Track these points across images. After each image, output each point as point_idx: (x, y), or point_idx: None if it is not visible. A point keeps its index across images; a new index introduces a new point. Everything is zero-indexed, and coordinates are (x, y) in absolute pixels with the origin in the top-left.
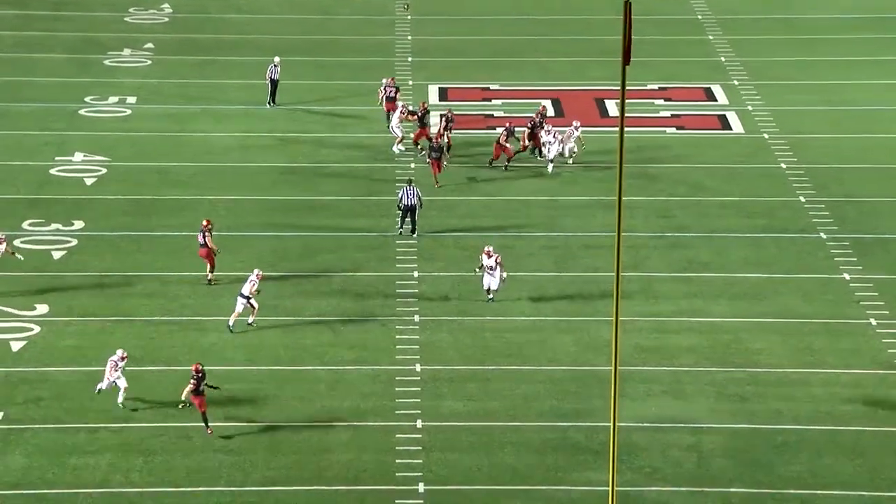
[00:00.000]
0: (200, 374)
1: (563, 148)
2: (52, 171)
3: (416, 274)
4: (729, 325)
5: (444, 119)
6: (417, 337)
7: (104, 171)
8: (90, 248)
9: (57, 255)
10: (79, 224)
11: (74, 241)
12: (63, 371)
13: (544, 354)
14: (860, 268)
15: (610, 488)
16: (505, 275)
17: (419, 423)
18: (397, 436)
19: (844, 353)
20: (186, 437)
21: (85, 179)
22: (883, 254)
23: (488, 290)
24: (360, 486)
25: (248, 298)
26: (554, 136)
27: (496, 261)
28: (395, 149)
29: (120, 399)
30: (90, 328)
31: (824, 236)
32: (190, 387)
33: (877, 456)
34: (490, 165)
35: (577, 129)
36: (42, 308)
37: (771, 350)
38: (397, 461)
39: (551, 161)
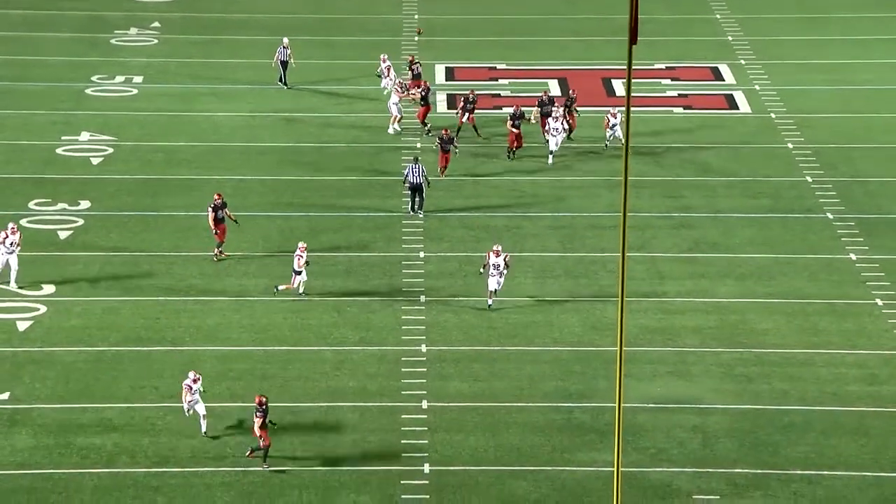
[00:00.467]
0: (265, 407)
1: (614, 133)
2: (59, 151)
3: (421, 254)
4: (735, 305)
5: (463, 100)
6: (423, 317)
7: (110, 150)
8: (96, 227)
9: (63, 234)
10: (85, 204)
11: (81, 221)
12: (69, 351)
13: (550, 335)
14: (866, 248)
15: (615, 469)
16: (502, 280)
17: (425, 404)
18: (403, 416)
19: (850, 333)
20: (192, 418)
21: (91, 159)
22: (889, 234)
23: (492, 294)
24: (365, 466)
25: (299, 273)
26: (561, 124)
27: (505, 260)
28: (391, 129)
29: (203, 429)
30: (96, 308)
31: (831, 216)
32: (258, 421)
33: (882, 436)
34: (510, 157)
35: (616, 115)
36: (48, 288)
37: (776, 330)
38: (403, 441)
39: (552, 153)
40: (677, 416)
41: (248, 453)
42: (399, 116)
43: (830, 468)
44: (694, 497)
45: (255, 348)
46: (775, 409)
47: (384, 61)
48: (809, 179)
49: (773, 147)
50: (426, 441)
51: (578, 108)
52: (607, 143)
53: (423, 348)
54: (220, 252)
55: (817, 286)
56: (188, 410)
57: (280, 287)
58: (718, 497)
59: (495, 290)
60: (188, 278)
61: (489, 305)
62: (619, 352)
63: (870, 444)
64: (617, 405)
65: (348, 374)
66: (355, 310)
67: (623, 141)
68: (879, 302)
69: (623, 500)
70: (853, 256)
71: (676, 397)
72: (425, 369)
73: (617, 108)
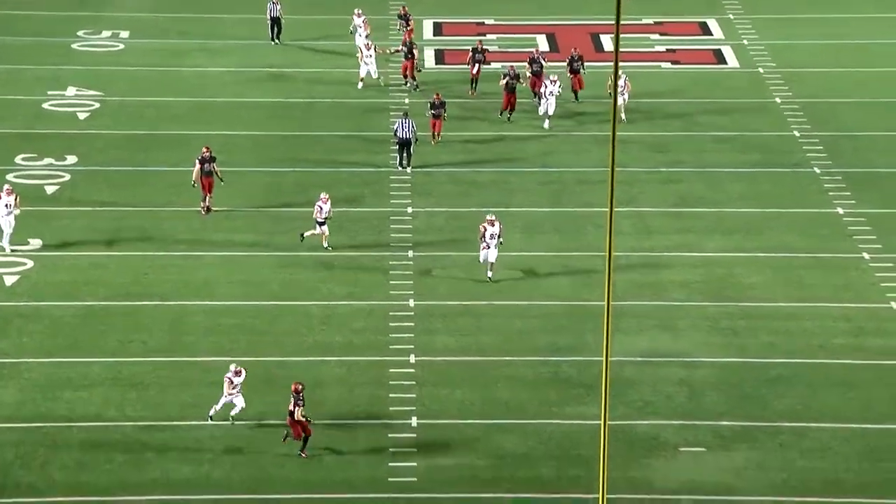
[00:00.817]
0: (302, 396)
1: (623, 98)
2: (45, 106)
3: (409, 209)
4: (722, 259)
5: (472, 51)
6: (411, 272)
7: (97, 105)
8: (83, 182)
9: (50, 189)
10: (72, 159)
11: (67, 176)
12: (57, 305)
13: (537, 290)
14: (853, 202)
15: (602, 422)
16: (496, 252)
17: (412, 358)
18: (390, 370)
19: (837, 287)
20: (180, 371)
21: (78, 114)
22: (876, 188)
23: (488, 267)
24: (353, 420)
25: (322, 223)
26: (557, 87)
27: (499, 228)
28: (362, 84)
29: (233, 411)
30: (83, 263)
31: (818, 171)
32: (300, 409)
33: (868, 389)
34: (508, 119)
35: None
36: (35, 243)
37: (764, 284)
38: (390, 395)
39: (549, 117)
40: (664, 369)
41: (282, 439)
42: (371, 74)
43: (816, 420)
44: (680, 449)
45: (243, 303)
46: (762, 363)
47: (358, 16)
48: (797, 134)
49: (761, 102)
50: (414, 395)
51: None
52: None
53: (411, 303)
54: (207, 206)
55: (804, 240)
56: (219, 406)
57: (306, 234)
58: (705, 449)
59: (489, 261)
60: (176, 233)
61: (489, 278)
62: (606, 306)
63: (856, 397)
64: (604, 359)
65: (336, 329)
66: (343, 264)
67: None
68: (866, 256)
69: (610, 452)
70: (840, 210)
71: (663, 351)
72: (413, 324)
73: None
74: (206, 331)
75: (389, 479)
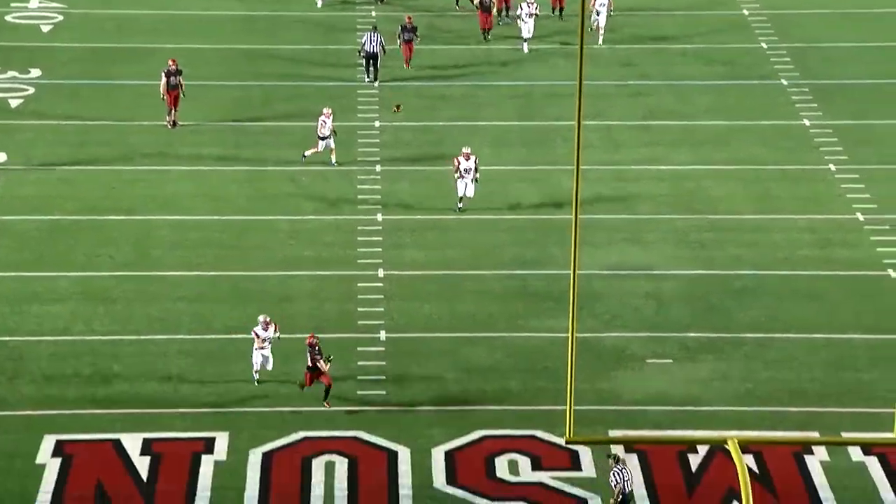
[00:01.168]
0: (317, 348)
1: (597, 23)
2: (8, 18)
3: (377, 123)
4: (690, 172)
5: None
6: (378, 187)
7: (61, 18)
8: (48, 96)
9: (14, 103)
10: (35, 72)
11: (31, 90)
12: (23, 220)
13: (506, 203)
14: (820, 114)
15: (570, 335)
16: (476, 183)
17: (381, 272)
18: (359, 284)
19: (803, 199)
20: (147, 286)
21: (41, 26)
22: (843, 99)
23: (461, 199)
24: (322, 334)
25: (324, 139)
26: (534, 8)
27: (474, 162)
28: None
29: (268, 366)
30: (50, 177)
31: (785, 83)
32: (321, 361)
33: (833, 299)
34: (486, 39)
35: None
36: (0, 157)
37: (731, 197)
38: (359, 310)
39: (526, 41)
40: (632, 282)
41: (300, 388)
42: None
43: (782, 331)
44: (647, 361)
45: (210, 217)
46: (728, 275)
47: None
48: (765, 46)
49: (728, 14)
50: (382, 309)
51: None
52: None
53: (379, 217)
54: (173, 120)
55: (771, 152)
56: (257, 366)
57: (307, 152)
58: (671, 361)
59: (465, 195)
60: (142, 147)
61: (458, 208)
62: (574, 220)
63: (821, 308)
64: (572, 272)
65: (304, 244)
66: (311, 179)
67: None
68: (832, 167)
69: (578, 365)
70: (807, 122)
71: (631, 264)
72: (381, 238)
73: None
74: (173, 245)
75: (358, 393)
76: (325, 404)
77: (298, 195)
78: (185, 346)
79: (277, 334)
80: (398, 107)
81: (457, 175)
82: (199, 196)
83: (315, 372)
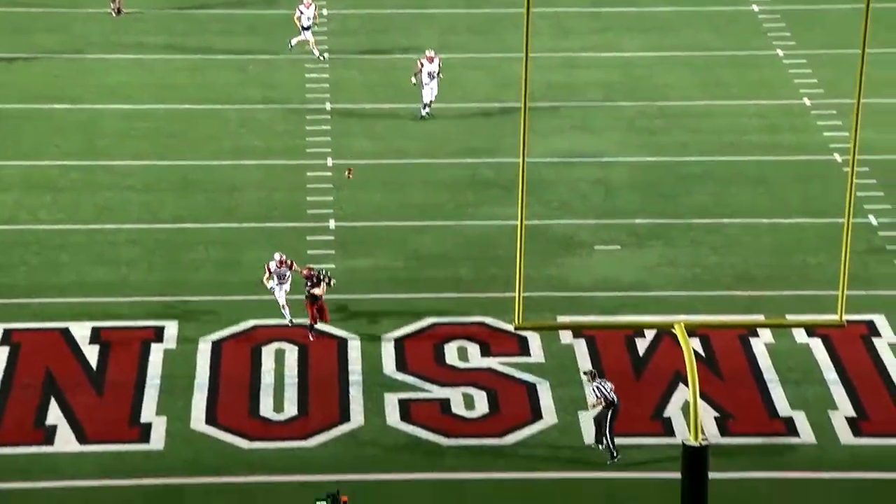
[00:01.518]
0: (315, 278)
1: None
2: None
3: (325, 11)
4: (639, 59)
5: None
6: (327, 75)
7: None
8: None
9: None
10: None
11: None
12: None
13: (454, 92)
14: None
15: (519, 222)
16: (436, 89)
17: (329, 162)
18: (308, 174)
19: (751, 84)
20: (94, 175)
21: None
22: None
23: (426, 105)
24: (270, 223)
25: (307, 28)
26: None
27: (438, 64)
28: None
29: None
30: None
31: None
32: (323, 286)
33: (779, 184)
34: None
35: None
36: None
37: (679, 83)
38: (308, 199)
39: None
40: (580, 169)
41: (310, 333)
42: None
43: (729, 216)
44: (596, 248)
45: (157, 106)
46: (676, 161)
47: None
48: None
49: None
50: (331, 198)
51: None
52: None
53: (328, 106)
54: (118, 8)
55: (720, 38)
56: (283, 304)
57: (293, 41)
58: (619, 247)
59: (429, 102)
60: (87, 35)
61: (423, 115)
62: (523, 107)
63: (767, 192)
64: (521, 160)
65: (253, 133)
66: (259, 68)
67: None
68: (780, 52)
69: (526, 252)
70: (755, 7)
71: (580, 151)
72: (329, 127)
73: None
74: (120, 134)
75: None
76: (311, 336)
77: (247, 84)
78: (134, 235)
79: (292, 270)
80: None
81: (419, 77)
82: (146, 85)
83: (315, 302)
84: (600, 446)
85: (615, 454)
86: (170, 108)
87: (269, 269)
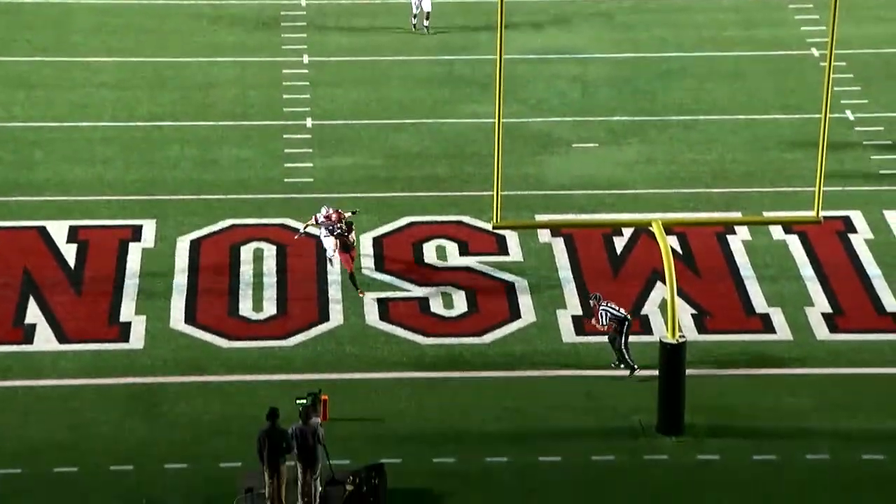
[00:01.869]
0: (342, 224)
1: None
2: None
3: None
4: None
5: None
6: None
7: None
8: None
9: None
10: None
11: None
12: None
13: None
14: None
15: (496, 120)
16: None
17: (306, 59)
18: (284, 71)
19: None
20: (67, 72)
21: None
22: None
23: (416, 15)
24: (246, 121)
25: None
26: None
27: None
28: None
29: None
30: None
31: None
32: (344, 240)
33: (756, 79)
34: None
35: None
36: None
37: None
38: (284, 96)
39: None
40: (557, 66)
41: (358, 292)
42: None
43: (706, 113)
44: (573, 145)
45: (130, 1)
46: (654, 57)
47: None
48: None
49: None
50: (308, 96)
51: None
52: None
53: (303, 2)
54: None
55: None
56: (328, 247)
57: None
58: (597, 145)
59: (428, 11)
60: None
61: (422, 28)
62: (500, 2)
63: (744, 88)
64: (498, 57)
65: (227, 29)
66: None
67: None
68: None
69: (504, 150)
70: None
71: (557, 48)
72: (305, 23)
73: None
74: (92, 30)
75: (285, 181)
76: (360, 292)
77: None
78: (109, 133)
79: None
80: (354, 213)
81: None
82: None
83: (348, 251)
84: (622, 365)
85: (634, 367)
86: (142, 2)
87: (315, 220)
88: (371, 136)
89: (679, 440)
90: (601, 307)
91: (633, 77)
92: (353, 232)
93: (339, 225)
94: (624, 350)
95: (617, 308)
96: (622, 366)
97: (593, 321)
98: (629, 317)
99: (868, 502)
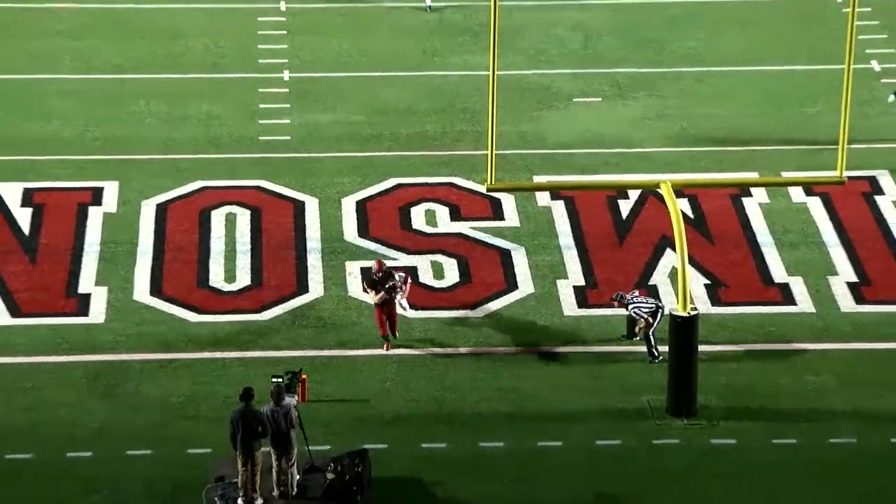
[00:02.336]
0: (381, 274)
1: None
2: None
3: None
4: None
5: None
6: None
7: None
8: None
9: None
10: None
11: None
12: None
13: None
14: None
15: (491, 72)
16: None
17: (283, 6)
18: (259, 19)
19: None
20: (24, 18)
21: None
22: None
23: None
24: (220, 74)
25: None
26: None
27: None
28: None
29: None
30: None
31: None
32: (383, 295)
33: (774, 27)
34: None
35: None
36: None
37: None
38: (259, 47)
39: None
40: (556, 13)
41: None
42: None
43: (719, 64)
44: (574, 100)
45: None
46: (661, 2)
47: None
48: None
49: None
50: (285, 46)
51: None
52: None
53: None
54: None
55: None
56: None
57: None
58: (600, 99)
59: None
60: None
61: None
62: None
63: (762, 37)
64: (492, 2)
65: None
66: None
67: None
68: None
69: (499, 105)
70: None
71: None
72: None
73: None
74: None
75: (260, 139)
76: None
77: None
78: (67, 86)
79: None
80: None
81: None
82: None
83: (386, 306)
84: (644, 344)
85: (658, 356)
86: None
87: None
88: (354, 90)
89: (691, 423)
90: (632, 306)
91: (638, 25)
92: (398, 286)
93: (377, 274)
94: (652, 337)
95: (644, 299)
96: (643, 346)
97: (641, 324)
98: (660, 304)
99: None
